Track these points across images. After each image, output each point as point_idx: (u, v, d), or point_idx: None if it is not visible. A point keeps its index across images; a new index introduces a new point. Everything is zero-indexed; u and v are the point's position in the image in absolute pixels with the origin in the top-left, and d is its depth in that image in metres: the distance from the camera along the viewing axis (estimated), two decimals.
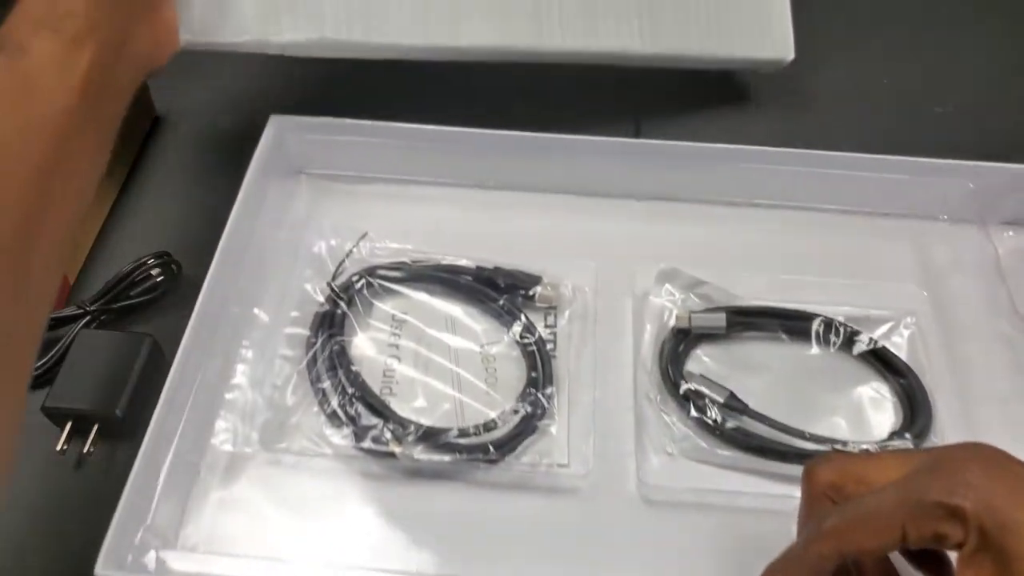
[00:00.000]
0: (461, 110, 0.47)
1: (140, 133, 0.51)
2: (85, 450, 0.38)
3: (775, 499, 0.37)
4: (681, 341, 0.42)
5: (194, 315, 0.38)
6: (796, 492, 0.36)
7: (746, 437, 0.38)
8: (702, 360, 0.42)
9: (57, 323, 0.41)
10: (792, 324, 0.42)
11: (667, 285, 0.44)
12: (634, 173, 0.48)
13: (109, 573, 0.31)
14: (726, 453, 0.39)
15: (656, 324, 0.43)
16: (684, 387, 0.39)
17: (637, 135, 0.52)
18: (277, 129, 0.47)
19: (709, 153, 0.46)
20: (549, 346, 0.42)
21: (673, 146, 0.47)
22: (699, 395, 0.39)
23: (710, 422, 0.39)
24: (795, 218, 0.48)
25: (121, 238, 0.47)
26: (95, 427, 0.38)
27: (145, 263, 0.43)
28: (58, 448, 0.38)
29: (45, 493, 0.38)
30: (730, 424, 0.39)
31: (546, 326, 0.43)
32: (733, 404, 0.39)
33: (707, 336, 0.42)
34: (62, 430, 0.38)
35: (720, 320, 0.42)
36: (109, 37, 0.32)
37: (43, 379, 0.40)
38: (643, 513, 0.37)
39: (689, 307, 0.43)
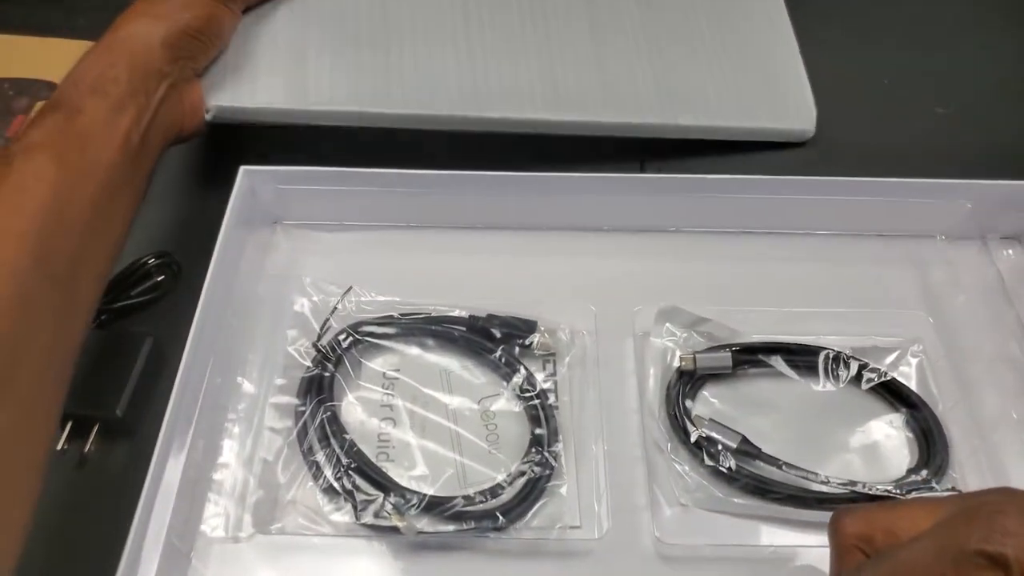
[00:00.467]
0: (456, 156, 0.46)
1: None
2: (85, 450, 0.38)
3: (795, 549, 0.36)
4: (687, 383, 0.40)
5: (175, 388, 0.36)
6: (816, 538, 0.35)
7: (762, 484, 0.37)
8: (709, 401, 0.41)
9: None
10: (799, 359, 0.41)
11: (668, 324, 0.42)
12: (625, 206, 0.46)
13: None
14: (742, 501, 0.37)
15: (659, 366, 0.41)
16: (695, 434, 0.38)
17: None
18: (249, 181, 0.44)
19: (705, 184, 0.45)
20: (551, 396, 0.40)
21: (666, 179, 0.45)
22: (711, 441, 0.38)
23: (724, 470, 0.37)
24: (793, 244, 0.47)
25: None
26: (95, 427, 0.38)
27: (145, 263, 0.43)
28: (58, 448, 0.37)
29: (45, 493, 0.35)
30: (744, 470, 0.37)
31: (546, 375, 0.41)
32: (746, 449, 0.38)
33: (712, 376, 0.41)
34: (62, 430, 0.38)
35: (726, 359, 0.41)
36: (144, 104, 0.38)
37: None
38: (661, 571, 0.36)
39: (692, 346, 0.42)
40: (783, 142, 0.51)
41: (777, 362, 0.41)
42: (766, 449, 0.38)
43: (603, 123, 0.48)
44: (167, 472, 0.35)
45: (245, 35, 0.46)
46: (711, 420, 0.39)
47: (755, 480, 0.37)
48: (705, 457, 0.37)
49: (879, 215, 0.45)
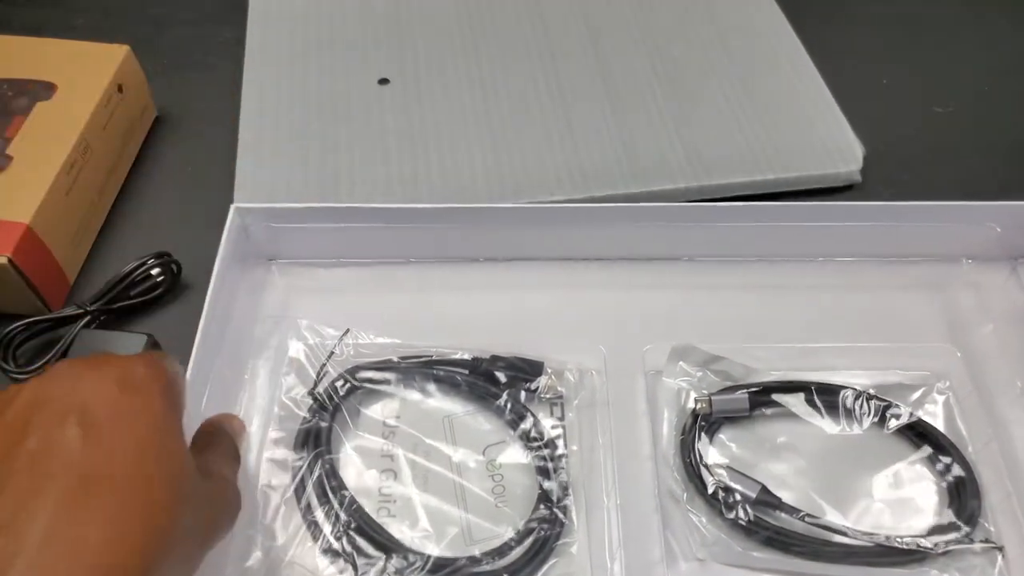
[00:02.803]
0: None
1: (140, 133, 0.52)
2: None
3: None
4: (703, 428, 0.38)
5: None
6: None
7: (784, 537, 0.35)
8: (726, 445, 0.39)
9: (57, 323, 0.41)
10: (819, 399, 0.39)
11: (681, 363, 0.40)
12: (634, 235, 0.44)
13: None
14: (762, 555, 0.35)
15: (673, 408, 0.39)
16: (712, 484, 0.36)
17: None
18: (241, 219, 0.42)
19: (716, 213, 0.43)
20: (559, 445, 0.38)
21: (676, 207, 0.43)
22: (728, 491, 0.36)
23: (743, 523, 0.35)
24: (811, 271, 0.45)
25: (121, 238, 0.47)
26: None
27: (145, 263, 0.43)
28: None
29: None
30: (764, 522, 0.35)
31: (554, 423, 0.39)
32: (766, 499, 0.36)
33: (728, 419, 0.39)
34: None
35: (743, 401, 0.39)
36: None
37: None
38: None
39: (707, 386, 0.40)
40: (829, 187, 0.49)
41: (796, 403, 0.39)
42: (786, 497, 0.36)
43: (632, 194, 0.47)
44: None
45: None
46: (729, 468, 0.37)
47: (776, 532, 0.35)
48: (723, 509, 0.36)
49: (902, 239, 0.43)
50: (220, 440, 0.33)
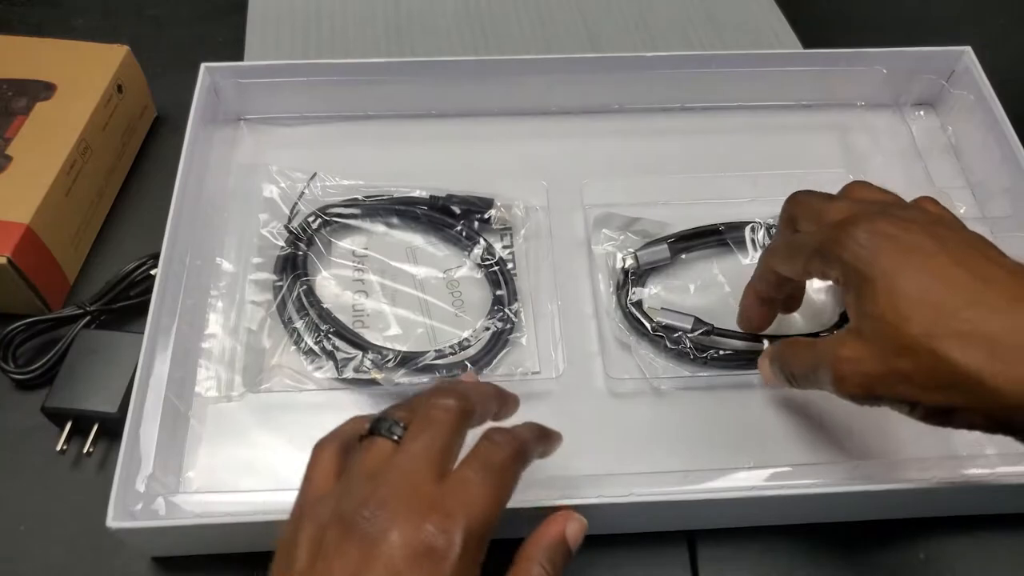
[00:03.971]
0: None
1: (140, 133, 0.51)
2: (85, 450, 0.38)
3: (729, 377, 0.41)
4: (635, 282, 0.43)
5: (159, 269, 0.39)
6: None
7: (722, 358, 0.41)
8: (657, 292, 0.44)
9: (57, 323, 0.41)
10: (728, 236, 0.44)
11: (604, 230, 0.45)
12: (570, 87, 0.49)
13: (122, 524, 0.32)
14: (706, 374, 0.41)
15: (606, 271, 0.44)
16: (651, 326, 0.41)
17: None
18: (211, 77, 0.46)
19: (644, 62, 0.48)
20: (509, 265, 0.44)
21: (608, 58, 0.48)
22: (669, 328, 0.41)
23: (688, 352, 0.41)
24: (728, 117, 0.50)
25: (121, 238, 0.47)
26: (95, 427, 0.38)
27: (145, 263, 0.42)
28: (58, 448, 0.38)
29: (45, 493, 0.38)
30: (702, 346, 0.41)
31: (504, 247, 0.45)
32: (700, 327, 0.41)
33: (654, 268, 0.44)
34: (62, 430, 0.38)
35: (664, 252, 0.44)
36: None
37: (43, 379, 0.40)
38: (612, 405, 0.40)
39: (630, 245, 0.44)
40: None
41: (710, 243, 0.44)
42: (717, 323, 0.41)
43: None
44: (160, 342, 0.38)
45: None
46: (663, 309, 0.42)
47: (715, 354, 0.40)
48: (667, 343, 0.41)
49: (802, 84, 0.49)
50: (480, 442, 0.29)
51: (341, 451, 0.29)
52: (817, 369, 0.31)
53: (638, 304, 0.43)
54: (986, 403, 0.27)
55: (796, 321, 0.42)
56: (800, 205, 0.35)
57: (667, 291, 0.44)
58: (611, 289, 0.43)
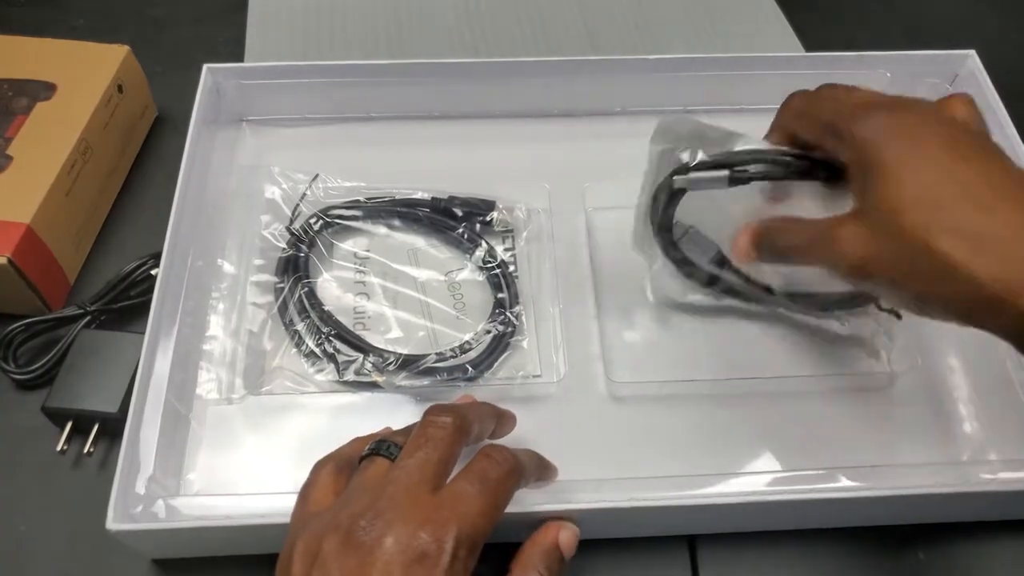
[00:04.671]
0: None
1: (140, 133, 0.51)
2: (85, 450, 0.38)
3: (731, 383, 0.41)
4: (674, 196, 0.38)
5: (160, 270, 0.39)
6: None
7: (730, 290, 0.42)
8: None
9: (57, 323, 0.41)
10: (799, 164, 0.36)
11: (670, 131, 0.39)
12: (572, 90, 0.49)
13: (121, 526, 0.32)
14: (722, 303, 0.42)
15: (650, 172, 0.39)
16: (678, 238, 0.40)
17: None
18: (213, 78, 0.46)
19: (644, 65, 0.48)
20: (511, 268, 0.44)
21: (611, 60, 0.48)
22: (691, 247, 0.40)
23: (707, 273, 0.41)
24: (727, 121, 0.49)
25: (122, 238, 0.47)
26: (95, 427, 0.38)
27: (145, 263, 0.42)
28: (58, 448, 0.38)
29: (45, 493, 0.38)
30: (716, 278, 0.41)
31: (505, 249, 0.45)
32: (721, 259, 0.40)
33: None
34: (62, 430, 0.38)
35: (722, 181, 0.36)
36: None
37: (43, 379, 0.40)
38: (612, 408, 0.40)
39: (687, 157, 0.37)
40: None
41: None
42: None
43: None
44: (161, 344, 0.38)
45: None
46: (692, 228, 0.40)
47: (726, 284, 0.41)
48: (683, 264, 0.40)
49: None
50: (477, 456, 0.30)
51: (338, 471, 0.30)
52: (814, 244, 0.31)
53: (670, 217, 0.39)
54: (965, 294, 0.27)
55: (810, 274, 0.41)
56: (830, 86, 0.34)
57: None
58: (651, 187, 0.38)
